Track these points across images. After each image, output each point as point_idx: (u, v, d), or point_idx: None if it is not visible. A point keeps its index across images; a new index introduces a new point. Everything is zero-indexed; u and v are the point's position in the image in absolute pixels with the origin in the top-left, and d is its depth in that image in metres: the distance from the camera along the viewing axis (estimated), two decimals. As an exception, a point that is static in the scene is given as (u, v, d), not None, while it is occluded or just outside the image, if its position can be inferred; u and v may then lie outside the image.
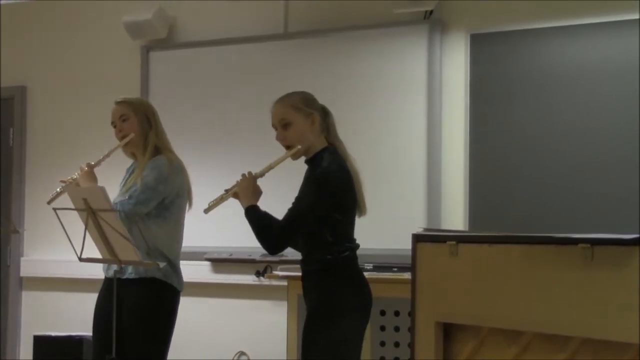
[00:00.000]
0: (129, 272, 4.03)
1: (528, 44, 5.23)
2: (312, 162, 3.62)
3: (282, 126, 3.61)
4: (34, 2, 6.71)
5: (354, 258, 3.61)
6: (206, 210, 3.77)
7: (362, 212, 3.66)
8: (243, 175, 3.66)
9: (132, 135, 4.11)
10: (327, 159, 3.55)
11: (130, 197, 3.99)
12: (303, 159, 3.67)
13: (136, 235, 3.94)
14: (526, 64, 5.24)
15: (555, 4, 5.20)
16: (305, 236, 3.57)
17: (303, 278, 3.66)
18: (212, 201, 3.74)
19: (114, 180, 4.31)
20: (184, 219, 4.18)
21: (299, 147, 3.57)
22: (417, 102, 5.47)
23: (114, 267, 4.02)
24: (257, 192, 3.65)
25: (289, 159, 3.63)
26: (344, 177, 3.55)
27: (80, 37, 6.62)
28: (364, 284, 3.62)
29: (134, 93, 6.06)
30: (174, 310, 4.10)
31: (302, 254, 3.65)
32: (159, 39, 6.26)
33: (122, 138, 4.13)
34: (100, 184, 4.16)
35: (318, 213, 3.50)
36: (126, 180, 4.22)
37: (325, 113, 3.68)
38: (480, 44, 5.34)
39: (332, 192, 3.49)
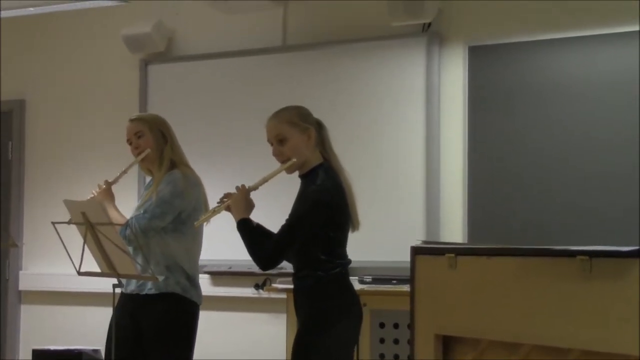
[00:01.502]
0: (149, 288, 4.04)
1: (526, 56, 5.24)
2: (307, 178, 3.59)
3: (278, 142, 3.58)
4: (33, 15, 6.71)
5: (344, 274, 3.59)
6: (196, 224, 3.79)
7: (355, 227, 3.64)
8: (237, 187, 3.63)
9: (147, 150, 4.12)
10: (322, 176, 3.53)
11: (145, 211, 4.00)
12: (297, 173, 3.65)
13: (153, 249, 3.97)
14: (524, 76, 5.24)
15: (554, 16, 5.21)
16: (297, 252, 3.56)
17: (294, 292, 3.66)
18: (204, 215, 3.75)
19: (126, 194, 4.32)
20: (202, 233, 4.20)
21: (294, 160, 3.54)
22: (416, 114, 5.47)
23: (134, 283, 4.05)
24: (250, 206, 3.62)
25: (283, 173, 3.61)
26: (337, 194, 3.53)
27: (79, 51, 6.63)
28: (354, 299, 3.60)
29: (132, 106, 6.08)
30: (195, 324, 4.15)
31: (294, 269, 3.64)
32: (157, 53, 6.27)
33: (138, 154, 4.15)
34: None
35: (311, 230, 3.49)
36: (143, 195, 4.24)
37: (319, 126, 3.66)
38: (478, 56, 5.35)
39: (325, 210, 3.48)
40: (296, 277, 3.62)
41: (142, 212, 4.02)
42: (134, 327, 4.06)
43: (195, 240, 4.15)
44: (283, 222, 3.54)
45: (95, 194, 4.18)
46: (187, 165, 4.19)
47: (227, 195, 3.67)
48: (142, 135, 4.15)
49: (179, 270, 4.04)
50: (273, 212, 3.69)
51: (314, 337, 3.50)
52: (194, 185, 4.11)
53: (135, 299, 4.06)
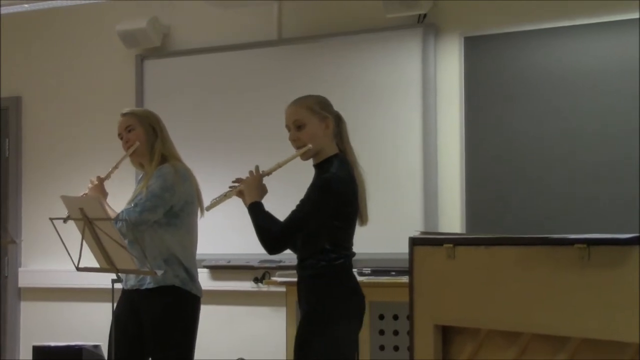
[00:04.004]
0: (148, 282, 4.05)
1: (522, 46, 5.24)
2: (321, 167, 3.60)
3: (296, 127, 3.59)
4: (28, 12, 6.71)
5: (348, 265, 3.59)
6: (208, 208, 3.79)
7: (364, 221, 3.65)
8: (250, 172, 3.64)
9: (137, 144, 4.13)
10: (336, 166, 3.55)
11: (136, 205, 4.00)
12: (312, 163, 3.65)
13: (149, 243, 3.98)
14: (521, 66, 5.24)
15: (549, 5, 5.21)
16: (303, 241, 3.57)
17: (298, 283, 3.66)
18: (215, 199, 3.72)
19: (123, 190, 4.33)
20: (196, 225, 4.20)
21: (310, 146, 3.55)
22: (413, 105, 5.48)
23: (133, 278, 4.06)
24: (263, 190, 3.63)
25: (299, 160, 3.61)
26: (349, 185, 3.55)
27: (75, 47, 6.62)
28: (357, 290, 3.61)
29: (129, 102, 6.08)
30: (196, 316, 4.15)
31: (298, 259, 3.64)
32: (153, 48, 6.26)
33: (128, 149, 4.15)
34: (110, 197, 4.22)
35: (319, 218, 3.50)
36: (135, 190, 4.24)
37: (339, 119, 3.68)
38: (474, 47, 5.35)
39: (335, 199, 3.49)
40: (300, 266, 3.63)
41: (132, 205, 4.02)
42: (136, 322, 4.07)
43: (190, 234, 4.14)
44: (293, 209, 3.54)
45: (88, 190, 4.18)
46: (178, 159, 4.19)
47: (239, 180, 3.67)
48: (132, 129, 4.16)
49: (176, 263, 4.05)
50: (286, 200, 3.65)
51: (313, 331, 3.50)
52: (185, 178, 4.10)
53: (135, 294, 4.08)
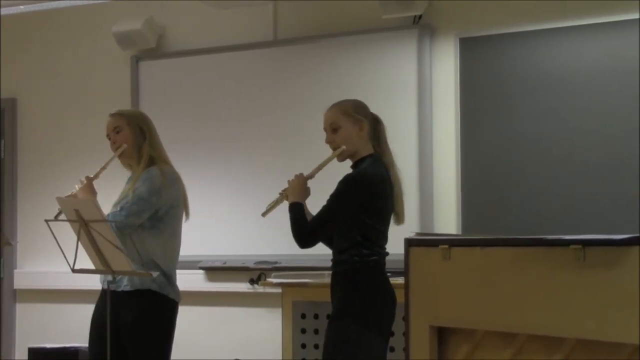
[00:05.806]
0: (124, 285, 4.02)
1: (518, 47, 5.24)
2: (356, 166, 3.76)
3: (332, 130, 3.76)
4: (24, 14, 6.70)
5: (380, 264, 3.72)
6: (264, 214, 3.89)
7: (400, 220, 3.80)
8: (295, 175, 3.80)
9: (124, 146, 4.11)
10: (368, 163, 3.70)
11: (121, 208, 3.97)
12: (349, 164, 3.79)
13: (130, 247, 3.93)
14: (516, 67, 5.24)
15: (546, 5, 5.20)
16: (338, 235, 3.69)
17: (332, 276, 3.78)
18: (269, 205, 3.86)
19: (114, 192, 4.32)
20: (180, 230, 4.17)
21: (344, 147, 3.71)
22: (408, 106, 5.47)
23: (109, 277, 4.02)
24: (306, 192, 3.79)
25: (335, 161, 3.77)
26: (377, 182, 3.66)
27: (70, 48, 6.61)
28: (384, 290, 3.73)
29: (124, 103, 6.07)
30: (172, 321, 4.11)
31: (333, 254, 3.76)
32: (148, 49, 6.25)
33: (116, 150, 4.13)
34: (99, 197, 4.17)
35: (346, 210, 3.63)
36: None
37: (376, 122, 3.85)
38: (469, 48, 5.34)
39: (362, 191, 3.62)
40: (334, 261, 3.75)
41: (118, 209, 3.99)
42: (113, 322, 4.00)
43: (173, 237, 4.11)
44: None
45: (77, 189, 4.15)
46: (166, 162, 4.16)
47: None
48: (120, 130, 4.14)
49: (154, 267, 3.99)
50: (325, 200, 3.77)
51: (344, 326, 3.61)
52: (172, 182, 4.08)
53: (113, 295, 4.00)
